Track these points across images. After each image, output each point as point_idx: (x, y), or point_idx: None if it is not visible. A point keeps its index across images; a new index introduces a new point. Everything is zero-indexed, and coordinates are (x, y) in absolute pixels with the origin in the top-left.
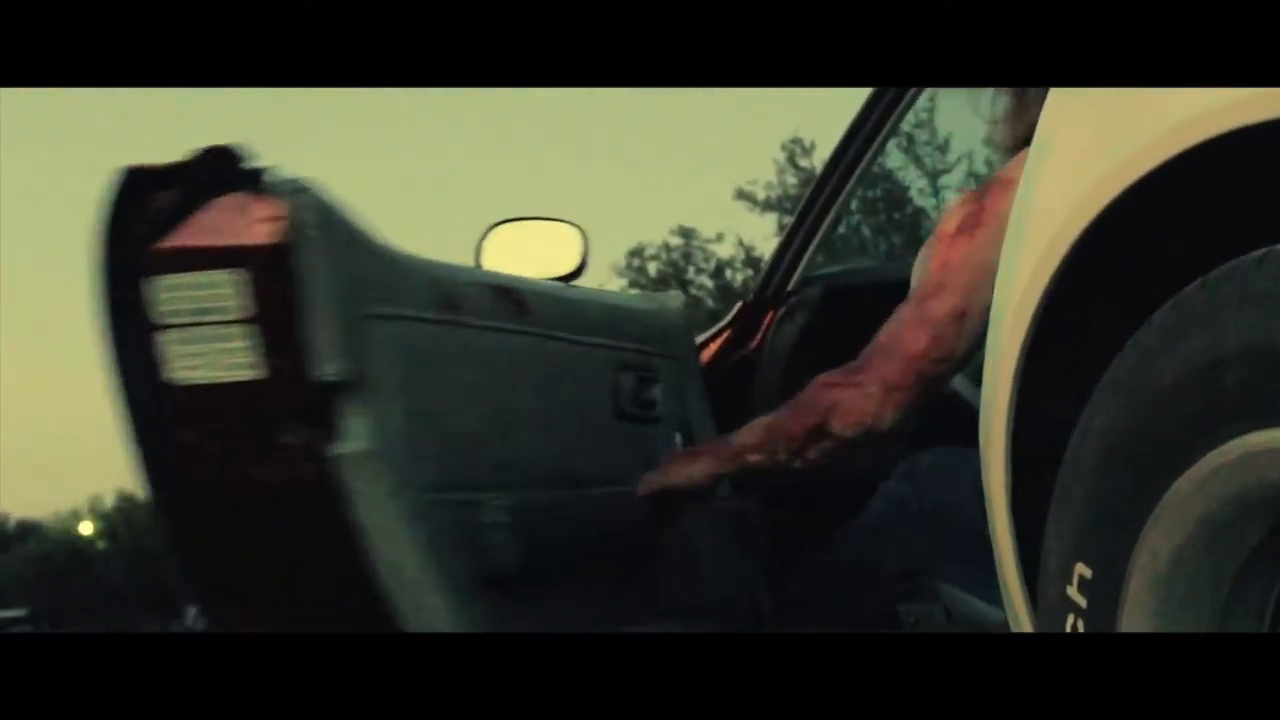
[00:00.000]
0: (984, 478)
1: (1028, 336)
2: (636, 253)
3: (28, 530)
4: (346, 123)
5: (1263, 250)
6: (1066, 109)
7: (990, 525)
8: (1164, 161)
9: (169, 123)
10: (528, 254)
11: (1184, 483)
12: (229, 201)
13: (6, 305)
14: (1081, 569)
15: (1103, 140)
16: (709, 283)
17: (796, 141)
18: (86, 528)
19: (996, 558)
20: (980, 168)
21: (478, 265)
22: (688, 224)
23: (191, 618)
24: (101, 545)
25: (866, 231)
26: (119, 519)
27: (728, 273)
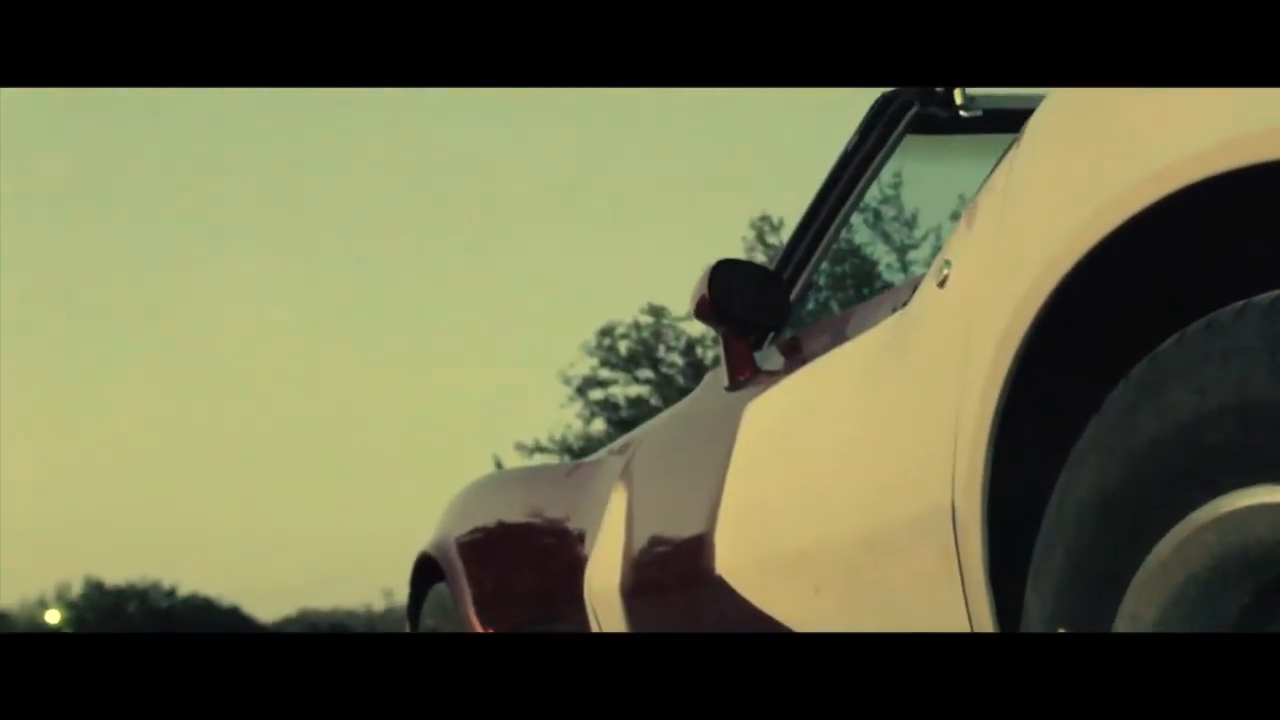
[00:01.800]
0: (960, 544)
1: (1001, 398)
2: (607, 331)
3: None
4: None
5: (1240, 303)
6: (1033, 165)
7: (966, 591)
8: (1133, 215)
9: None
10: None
11: (1167, 544)
12: None
13: None
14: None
15: (1070, 197)
16: (680, 361)
17: (765, 219)
18: (53, 616)
19: (973, 625)
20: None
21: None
22: (658, 302)
23: None
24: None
25: (835, 307)
26: (86, 607)
27: (699, 350)
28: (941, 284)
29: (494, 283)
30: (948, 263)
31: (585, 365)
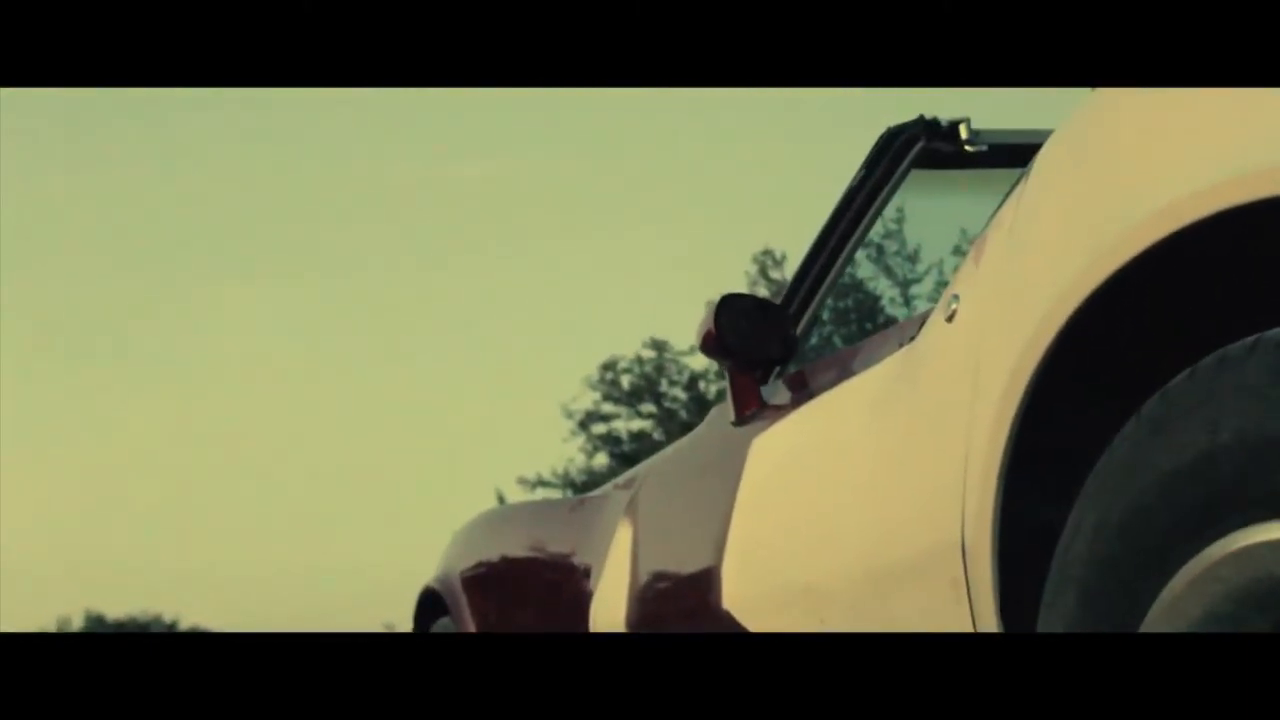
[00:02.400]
0: (970, 578)
1: (1011, 432)
2: (610, 366)
3: None
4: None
5: (1253, 337)
6: (1040, 200)
7: (976, 626)
8: (1142, 250)
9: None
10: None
11: (1180, 580)
12: None
13: None
14: None
15: (1078, 232)
16: (682, 395)
17: (768, 254)
18: None
19: None
20: (950, 278)
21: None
22: (660, 336)
23: None
24: None
25: (839, 341)
26: None
27: (701, 385)
28: (950, 319)
29: (496, 316)
30: (956, 297)
31: (588, 399)
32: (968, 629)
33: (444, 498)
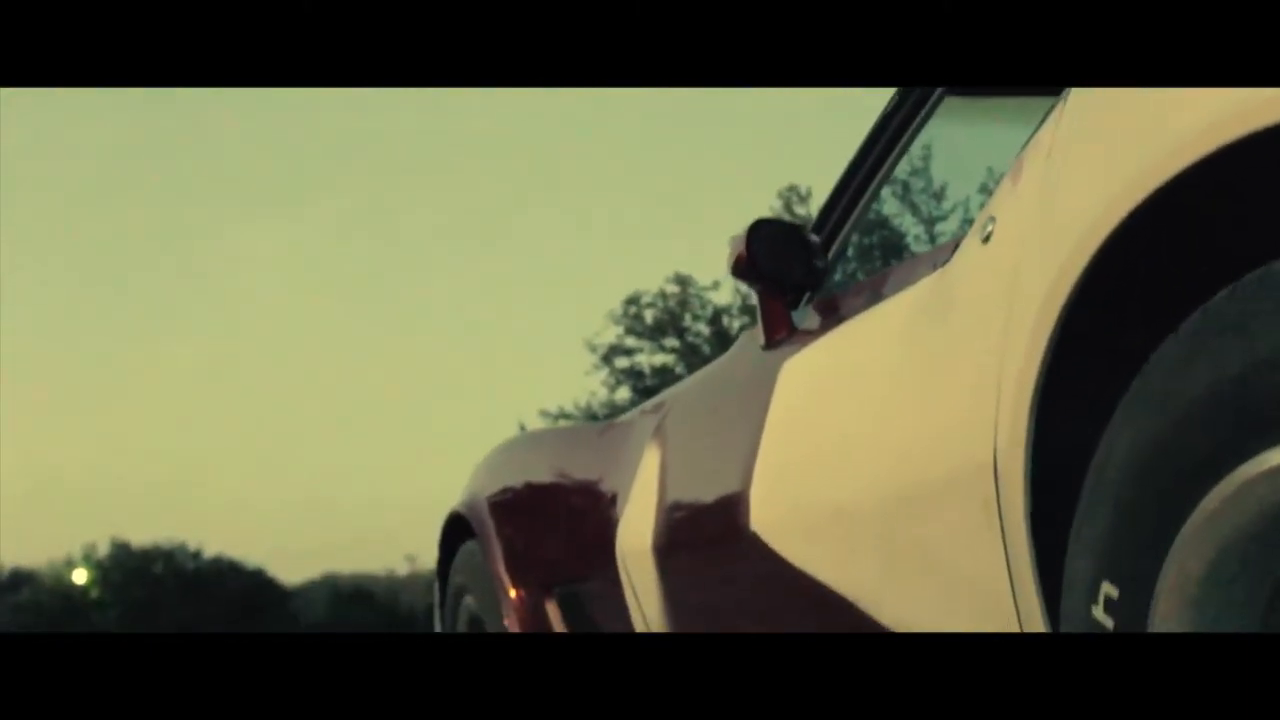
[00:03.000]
0: (1002, 499)
1: (1046, 352)
2: (633, 300)
3: (21, 579)
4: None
5: None
6: (1082, 116)
7: (1006, 546)
8: (1185, 168)
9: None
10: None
11: (1215, 497)
12: None
13: (3, 351)
14: (1108, 589)
15: (1121, 148)
16: (705, 330)
17: (793, 189)
18: (80, 576)
19: (1014, 584)
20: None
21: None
22: (684, 271)
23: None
24: (95, 593)
25: (862, 278)
26: (112, 567)
27: (724, 320)
28: (986, 240)
29: (521, 250)
30: (992, 219)
31: (611, 333)
32: (998, 551)
33: (467, 430)
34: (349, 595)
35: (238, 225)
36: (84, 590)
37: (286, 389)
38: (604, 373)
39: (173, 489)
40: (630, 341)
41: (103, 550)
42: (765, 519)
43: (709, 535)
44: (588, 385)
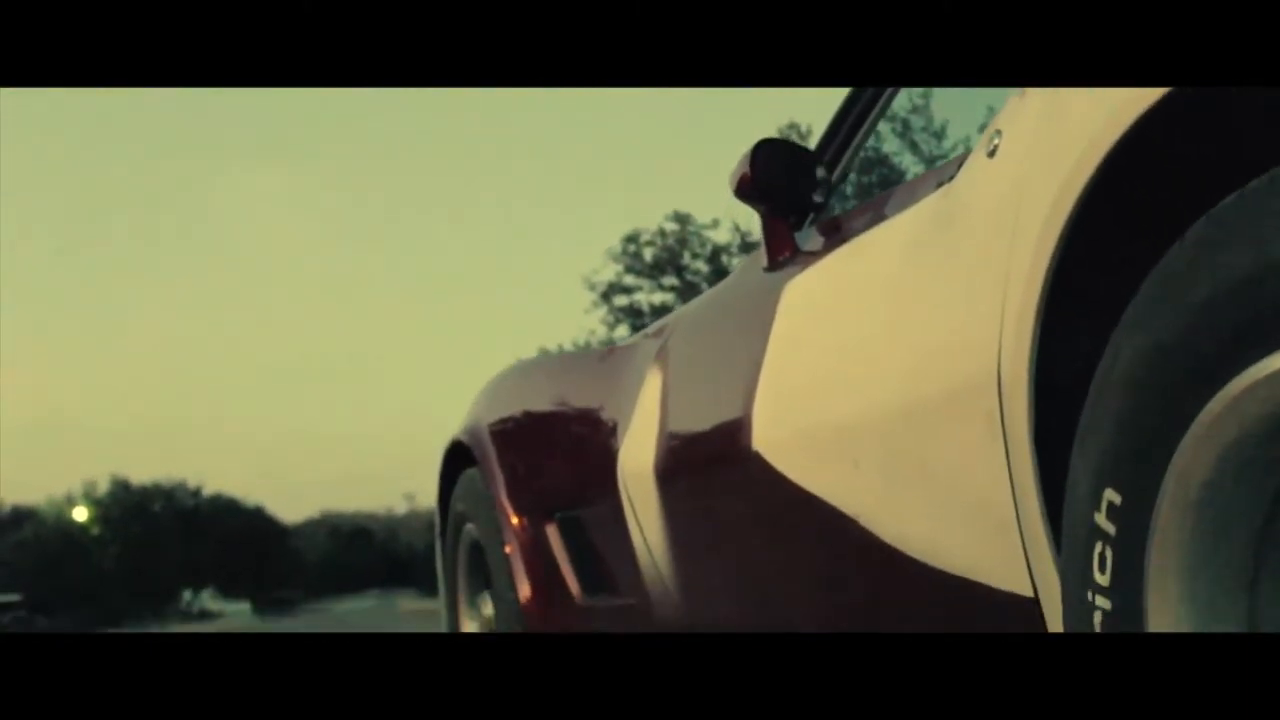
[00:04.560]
0: (1005, 411)
1: (1052, 264)
2: (633, 238)
3: (22, 516)
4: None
5: None
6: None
7: (1010, 458)
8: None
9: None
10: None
11: (1219, 401)
12: None
13: (4, 291)
14: (1110, 495)
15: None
16: (704, 268)
17: (793, 127)
18: (81, 513)
19: (1016, 496)
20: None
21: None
22: (683, 209)
23: (184, 603)
24: (95, 531)
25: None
26: (112, 505)
27: (723, 258)
28: (991, 154)
29: (521, 188)
30: (999, 133)
31: (610, 271)
32: (1001, 465)
33: (467, 369)
34: (348, 533)
35: (241, 165)
36: (84, 528)
37: (288, 328)
38: (603, 310)
39: (173, 427)
40: (629, 279)
41: (103, 488)
42: (768, 439)
43: (711, 456)
44: (587, 323)
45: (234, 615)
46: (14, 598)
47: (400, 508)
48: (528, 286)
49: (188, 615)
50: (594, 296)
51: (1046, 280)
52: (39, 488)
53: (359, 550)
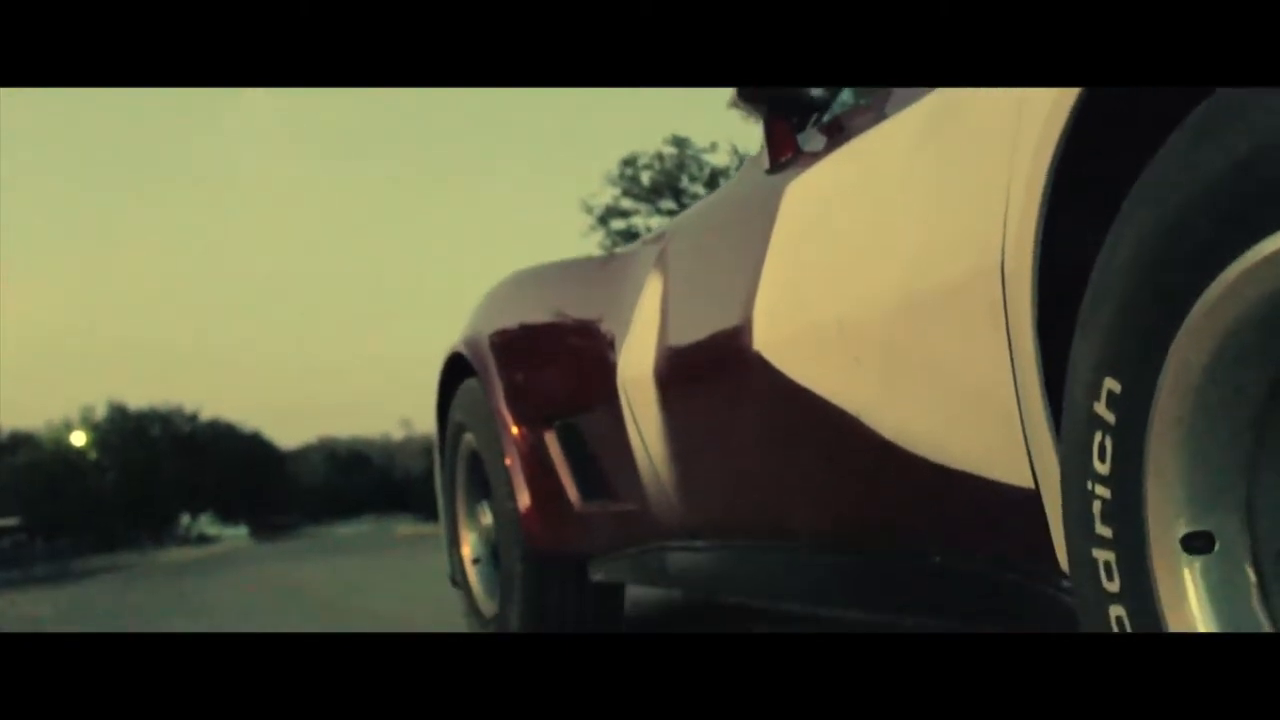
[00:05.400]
0: (1008, 301)
1: (1056, 154)
2: (630, 162)
3: (20, 440)
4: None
5: None
6: None
7: (1012, 348)
8: None
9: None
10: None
11: (1218, 285)
12: None
13: (3, 214)
14: (1110, 383)
15: None
16: (702, 191)
17: None
18: (79, 438)
19: (1018, 387)
20: None
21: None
22: (681, 133)
23: (182, 527)
24: (93, 455)
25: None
26: (110, 430)
27: (721, 181)
28: None
29: (518, 111)
30: None
31: (608, 195)
32: (1003, 355)
33: (462, 294)
34: (345, 458)
35: (236, 89)
36: (82, 452)
37: (284, 252)
38: (600, 234)
39: (170, 352)
40: (627, 203)
41: (100, 413)
42: (769, 339)
43: (713, 358)
44: (584, 247)
45: (232, 539)
46: (13, 521)
47: (397, 433)
48: (526, 211)
49: (186, 539)
50: (591, 220)
51: (1050, 171)
52: (36, 413)
53: (356, 475)
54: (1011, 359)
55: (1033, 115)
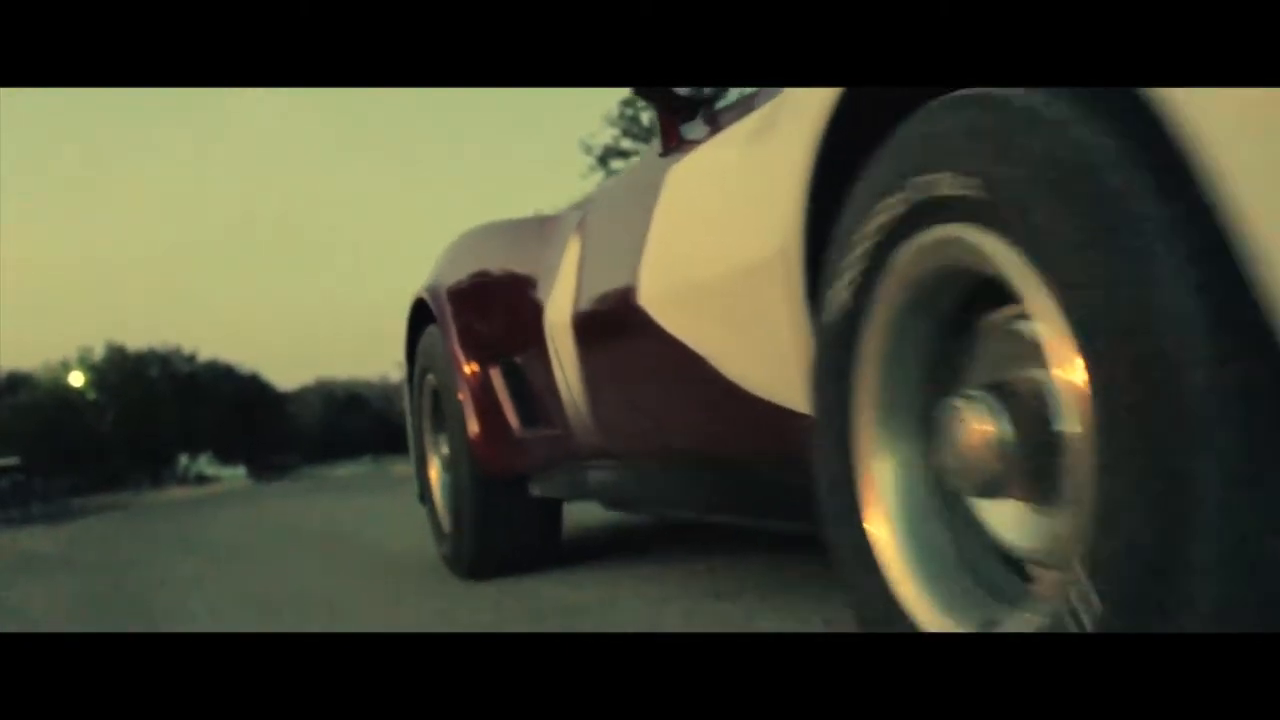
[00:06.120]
0: (791, 278)
1: (819, 146)
2: (629, 102)
3: (18, 381)
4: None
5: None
6: None
7: (802, 316)
8: None
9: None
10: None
11: (907, 248)
12: None
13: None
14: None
15: None
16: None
17: None
18: (77, 379)
19: (805, 340)
20: None
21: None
22: None
23: (181, 467)
24: (91, 396)
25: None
26: (108, 370)
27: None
28: None
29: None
30: None
31: (607, 135)
32: (798, 319)
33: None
34: (343, 400)
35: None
36: (81, 392)
37: (283, 194)
38: (599, 175)
39: (169, 293)
40: (626, 144)
41: (99, 353)
42: (650, 295)
43: (611, 310)
44: (583, 187)
45: (230, 479)
46: (12, 461)
47: (394, 375)
48: (525, 151)
49: (184, 479)
50: (591, 160)
51: (810, 179)
52: (34, 353)
53: (353, 416)
54: (801, 322)
55: (804, 113)
